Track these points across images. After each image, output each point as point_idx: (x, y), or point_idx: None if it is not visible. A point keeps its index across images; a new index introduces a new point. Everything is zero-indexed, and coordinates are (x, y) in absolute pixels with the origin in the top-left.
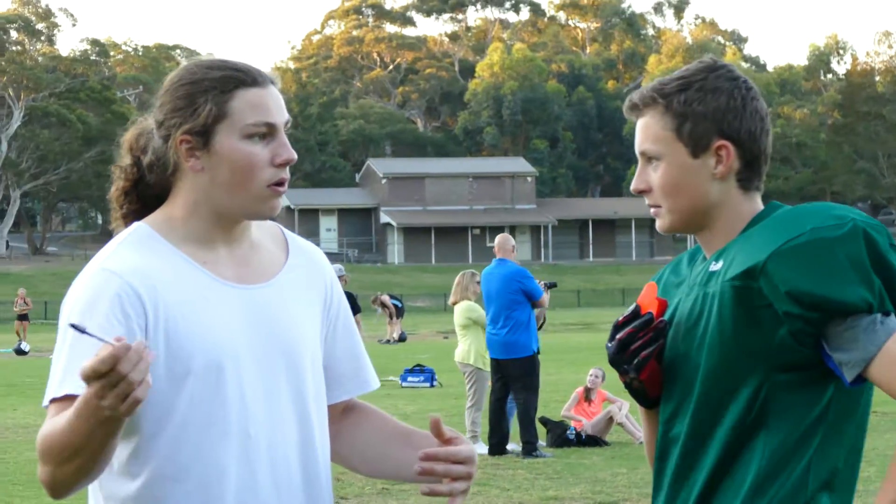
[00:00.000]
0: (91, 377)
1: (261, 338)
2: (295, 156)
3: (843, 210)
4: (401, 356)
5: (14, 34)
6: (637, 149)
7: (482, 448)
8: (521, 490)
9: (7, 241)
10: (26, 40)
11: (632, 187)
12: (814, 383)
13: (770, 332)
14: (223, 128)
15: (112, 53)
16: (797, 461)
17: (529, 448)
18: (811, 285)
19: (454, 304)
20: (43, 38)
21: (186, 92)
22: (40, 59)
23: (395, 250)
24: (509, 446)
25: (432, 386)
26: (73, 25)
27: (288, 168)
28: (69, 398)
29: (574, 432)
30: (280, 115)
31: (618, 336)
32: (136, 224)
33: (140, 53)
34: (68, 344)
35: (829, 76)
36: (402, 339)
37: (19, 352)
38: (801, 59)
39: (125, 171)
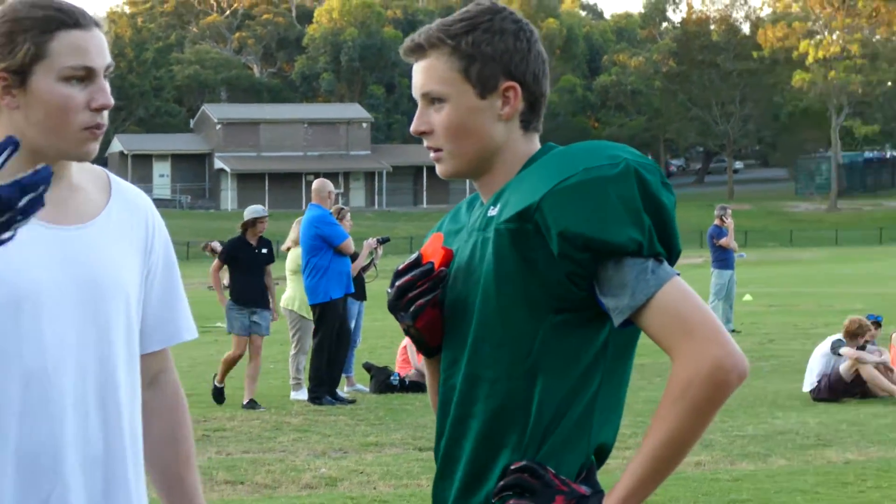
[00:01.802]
0: None
1: (70, 279)
2: (111, 101)
3: (617, 149)
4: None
5: None
6: (418, 90)
7: (305, 394)
8: (341, 436)
9: None
10: None
11: (413, 129)
12: (590, 324)
13: (546, 274)
14: (41, 68)
15: None
16: (579, 402)
17: (312, 395)
18: (582, 226)
19: (287, 249)
20: None
21: (7, 29)
22: None
23: (229, 196)
24: (340, 392)
25: None
26: None
27: (106, 113)
28: None
29: (398, 378)
30: (101, 59)
31: (397, 283)
32: None
33: None
34: None
35: (665, 25)
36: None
37: None
38: (637, 7)
39: None
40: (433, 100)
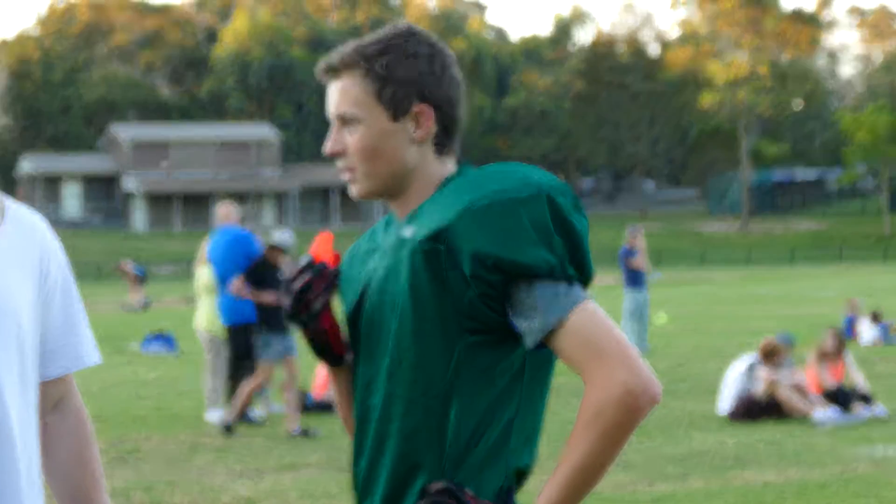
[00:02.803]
0: None
1: None
2: None
3: (529, 172)
4: (144, 323)
5: None
6: (333, 111)
7: (220, 415)
8: (258, 457)
9: None
10: None
11: (326, 150)
12: (505, 345)
13: (458, 294)
14: None
15: None
16: (496, 424)
17: (239, 415)
18: (493, 247)
19: (196, 268)
20: None
21: None
22: None
23: (139, 217)
24: (250, 413)
25: (174, 353)
26: None
27: None
28: None
29: (312, 399)
30: None
31: (292, 288)
32: None
33: None
34: None
35: (574, 46)
36: (146, 305)
37: None
38: (546, 30)
39: None
40: (347, 121)
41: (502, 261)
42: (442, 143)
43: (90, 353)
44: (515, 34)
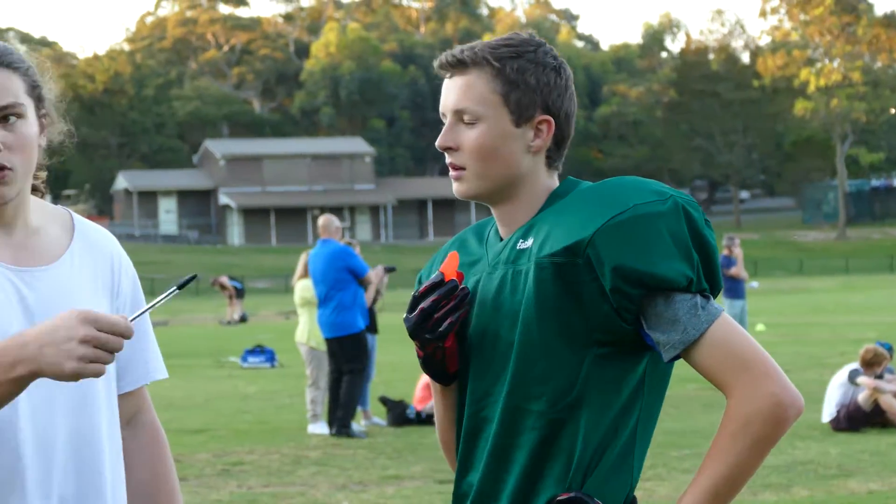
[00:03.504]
0: (102, 326)
1: (31, 322)
2: None
3: (660, 186)
4: (242, 337)
5: None
6: (451, 106)
7: (322, 428)
8: (361, 469)
9: None
10: None
11: (439, 143)
12: (629, 356)
13: (592, 308)
14: None
15: None
16: (621, 434)
17: (340, 425)
18: (636, 261)
19: (295, 282)
20: None
21: None
22: None
23: (235, 232)
24: (353, 426)
25: (273, 366)
26: None
27: (6, 156)
28: None
29: (414, 411)
30: None
31: (421, 305)
32: None
33: None
34: None
35: (664, 55)
36: (242, 319)
37: None
38: (635, 38)
39: None
40: (466, 117)
41: (644, 275)
42: (553, 157)
43: (158, 368)
44: (605, 43)
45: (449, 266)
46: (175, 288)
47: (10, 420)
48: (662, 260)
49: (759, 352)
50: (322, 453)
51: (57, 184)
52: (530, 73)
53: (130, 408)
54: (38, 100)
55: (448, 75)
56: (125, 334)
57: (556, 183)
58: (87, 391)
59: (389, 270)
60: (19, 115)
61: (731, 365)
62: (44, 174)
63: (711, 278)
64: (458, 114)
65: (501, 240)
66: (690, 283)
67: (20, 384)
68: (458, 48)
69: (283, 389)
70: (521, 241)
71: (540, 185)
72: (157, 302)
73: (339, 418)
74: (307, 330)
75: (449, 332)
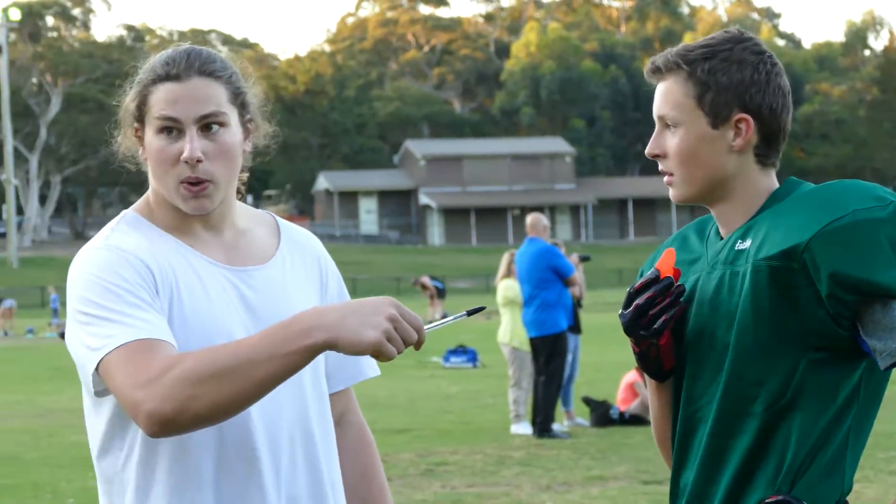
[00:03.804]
0: (411, 320)
1: (256, 319)
2: (196, 154)
3: (881, 191)
4: (444, 337)
5: (50, 20)
6: (655, 112)
7: (525, 428)
8: (565, 470)
9: (49, 227)
10: (62, 26)
11: (647, 151)
12: (846, 362)
13: (808, 313)
14: (147, 121)
15: (147, 38)
16: (833, 440)
17: (541, 428)
18: (854, 268)
19: (497, 282)
20: (78, 23)
21: (137, 82)
22: (77, 45)
23: (436, 232)
24: (554, 426)
25: (475, 366)
26: (109, 11)
27: (208, 167)
28: (141, 343)
29: (617, 412)
30: (192, 109)
31: (636, 302)
32: (123, 212)
33: (175, 38)
34: (103, 301)
35: (867, 52)
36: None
37: (63, 336)
38: (837, 36)
39: None
40: (668, 123)
41: (861, 281)
42: (764, 154)
43: (371, 366)
44: (807, 41)
45: (665, 262)
46: (465, 313)
47: (244, 420)
48: (881, 267)
49: None
50: (526, 454)
51: (258, 184)
52: (722, 73)
53: (338, 407)
54: (242, 106)
55: (654, 82)
56: (421, 333)
57: (773, 182)
58: (301, 391)
59: (584, 259)
60: (221, 124)
61: None
62: (245, 175)
63: None
64: (661, 120)
65: (721, 239)
66: None
67: (312, 352)
68: (659, 55)
69: (486, 389)
70: (739, 241)
71: (754, 184)
72: (446, 322)
73: (539, 423)
74: (510, 330)
75: (663, 330)
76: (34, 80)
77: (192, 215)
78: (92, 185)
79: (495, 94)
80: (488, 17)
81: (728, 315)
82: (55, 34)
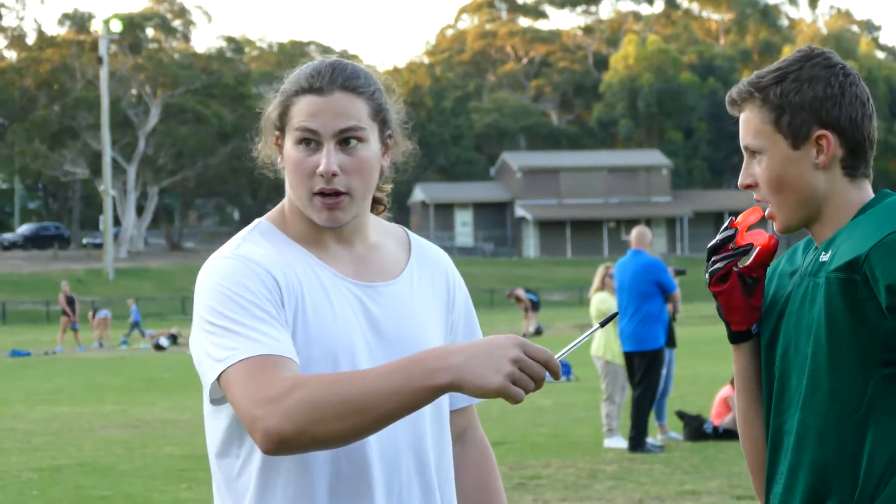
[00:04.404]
0: (538, 356)
1: (379, 336)
2: (332, 168)
3: None
4: None
5: (150, 32)
6: (741, 143)
7: (618, 442)
8: (657, 484)
9: (145, 238)
10: (162, 38)
11: (739, 183)
12: None
13: (875, 325)
14: (287, 132)
15: (247, 50)
16: None
17: (634, 443)
18: None
19: (591, 295)
20: (179, 35)
21: (279, 92)
22: (176, 56)
23: (531, 244)
24: (648, 440)
25: (568, 379)
26: (209, 22)
27: (345, 179)
28: (263, 359)
29: (711, 426)
30: (330, 123)
31: (709, 246)
32: (256, 220)
33: (275, 50)
34: (228, 311)
35: None
36: (538, 332)
37: (158, 347)
38: None
39: None
40: (753, 153)
41: None
42: (852, 166)
43: None
44: None
45: (746, 217)
46: (598, 325)
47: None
48: None
49: None
50: (618, 467)
51: None
52: (795, 93)
53: (461, 424)
54: (383, 122)
55: (735, 114)
56: (551, 367)
57: (866, 193)
58: (419, 414)
59: (679, 273)
60: (360, 139)
61: None
62: (389, 188)
63: None
64: (747, 150)
65: (815, 249)
66: None
67: (435, 393)
68: (735, 87)
69: (579, 403)
70: (823, 253)
71: (844, 198)
72: (581, 340)
73: (633, 437)
74: (603, 344)
75: (714, 275)
76: (133, 91)
77: (323, 227)
78: (189, 196)
79: (593, 105)
80: (587, 30)
81: (808, 327)
82: (155, 45)
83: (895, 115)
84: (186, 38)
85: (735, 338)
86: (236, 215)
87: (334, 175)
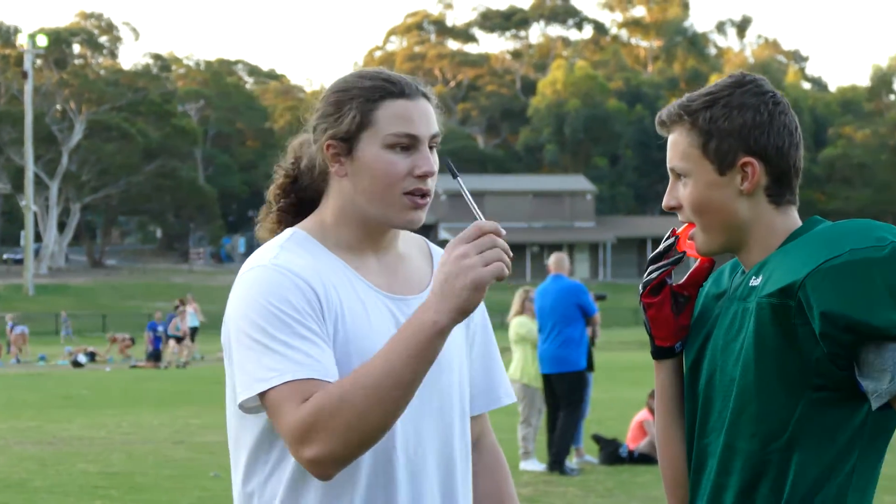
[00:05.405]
0: (472, 235)
1: None
2: (434, 169)
3: (885, 231)
4: None
5: (77, 48)
6: (668, 164)
7: (534, 465)
8: None
9: (66, 254)
10: (89, 54)
11: (663, 204)
12: (849, 402)
13: (806, 351)
14: (367, 136)
15: (174, 68)
16: (834, 480)
17: (555, 465)
18: (845, 307)
19: (510, 319)
20: (105, 51)
21: (336, 99)
22: (102, 72)
23: None
24: (567, 463)
25: None
26: (136, 39)
27: (431, 182)
28: (305, 383)
29: (627, 450)
30: (426, 127)
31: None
32: (291, 229)
33: (202, 68)
34: (271, 329)
35: (892, 97)
36: None
37: (76, 364)
38: (863, 80)
39: (285, 170)
40: (679, 175)
41: (854, 322)
42: (776, 194)
43: (508, 393)
44: (833, 84)
45: (686, 228)
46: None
47: (386, 448)
48: (873, 308)
49: None
50: (534, 490)
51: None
52: (723, 119)
53: (476, 431)
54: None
55: (664, 135)
56: (486, 229)
57: (793, 220)
58: (447, 419)
59: (600, 298)
60: (436, 145)
61: None
62: None
63: None
64: (673, 172)
65: (743, 273)
66: None
67: (443, 335)
68: (665, 108)
69: (495, 425)
70: (753, 277)
71: (769, 224)
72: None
73: (554, 454)
74: (521, 367)
75: (649, 284)
76: (58, 106)
77: (366, 237)
78: (112, 213)
79: (520, 130)
80: (516, 54)
81: (736, 351)
82: (81, 61)
83: (819, 145)
84: (113, 54)
85: (658, 353)
86: (159, 233)
87: (431, 176)
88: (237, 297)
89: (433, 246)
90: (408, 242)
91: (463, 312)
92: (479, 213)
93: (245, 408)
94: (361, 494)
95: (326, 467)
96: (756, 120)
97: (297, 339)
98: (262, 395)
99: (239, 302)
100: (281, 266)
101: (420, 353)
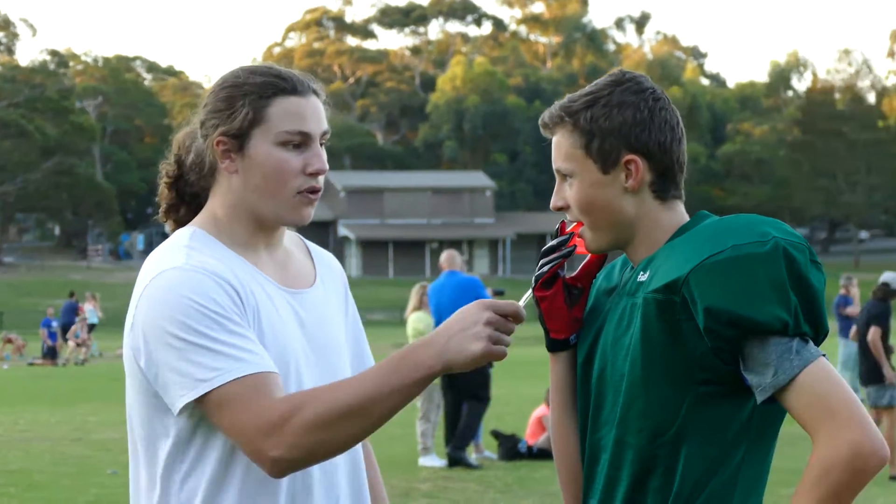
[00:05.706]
0: (507, 312)
1: (311, 342)
2: (326, 166)
3: (769, 226)
4: None
5: None
6: (553, 166)
7: (433, 460)
8: (471, 503)
9: None
10: None
11: (551, 204)
12: (735, 396)
13: (692, 346)
14: (258, 133)
15: (72, 64)
16: (722, 473)
17: (455, 446)
18: (729, 302)
19: (408, 315)
20: (2, 48)
21: (227, 94)
22: None
23: (353, 263)
24: (467, 459)
25: None
26: (33, 36)
27: (322, 178)
28: (255, 379)
29: (525, 446)
30: (317, 125)
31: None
32: (190, 227)
33: (100, 64)
34: (202, 328)
35: (790, 93)
36: None
37: None
38: (761, 76)
39: (167, 167)
40: (565, 175)
41: (737, 316)
42: (661, 189)
43: None
44: (732, 81)
45: (578, 224)
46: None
47: None
48: (755, 303)
49: (846, 399)
50: (433, 486)
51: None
52: (604, 119)
53: None
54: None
55: (548, 136)
56: (518, 317)
57: (680, 216)
58: None
59: (498, 293)
60: (325, 142)
61: (817, 411)
62: None
63: (814, 322)
64: (559, 173)
65: (633, 269)
66: (786, 327)
67: (429, 380)
68: (547, 110)
69: (395, 421)
70: (641, 272)
71: (655, 219)
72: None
73: (456, 442)
74: None
75: (541, 277)
76: None
77: (258, 233)
78: (9, 210)
79: (419, 126)
80: (415, 51)
81: (625, 345)
82: None
83: (718, 141)
84: (10, 50)
85: (553, 346)
86: (57, 230)
87: (323, 174)
88: (156, 300)
89: (308, 241)
90: (289, 238)
91: (452, 366)
92: (527, 299)
93: (180, 412)
94: (284, 497)
95: (284, 468)
96: (637, 117)
97: (233, 337)
98: (205, 396)
99: (160, 305)
100: (198, 267)
101: (408, 390)
